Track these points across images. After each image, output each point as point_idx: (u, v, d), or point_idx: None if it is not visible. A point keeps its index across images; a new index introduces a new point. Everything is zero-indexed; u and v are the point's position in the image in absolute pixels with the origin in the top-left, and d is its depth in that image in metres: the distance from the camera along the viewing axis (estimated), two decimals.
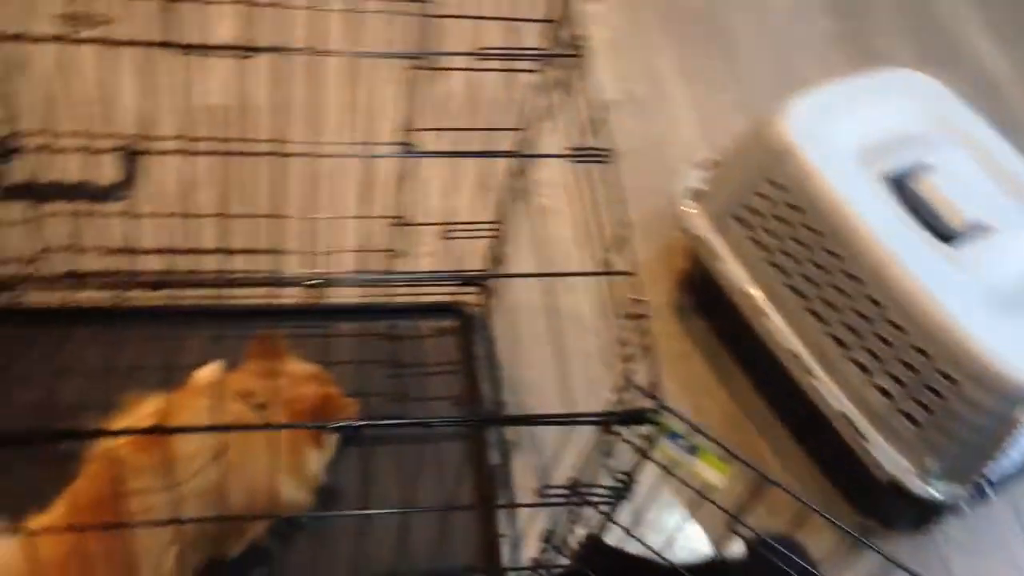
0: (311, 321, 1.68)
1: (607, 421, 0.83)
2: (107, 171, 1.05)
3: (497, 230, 1.61)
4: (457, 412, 1.61)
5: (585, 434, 1.04)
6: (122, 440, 1.34)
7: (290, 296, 1.69)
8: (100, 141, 1.03)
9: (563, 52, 1.09)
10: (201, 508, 1.29)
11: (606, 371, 1.77)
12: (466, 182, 1.47)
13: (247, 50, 1.11)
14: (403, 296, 1.71)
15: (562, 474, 1.12)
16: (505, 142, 1.46)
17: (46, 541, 1.22)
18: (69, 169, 1.08)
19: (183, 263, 1.55)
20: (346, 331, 1.69)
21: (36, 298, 1.57)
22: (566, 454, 1.24)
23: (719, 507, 0.94)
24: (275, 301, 1.68)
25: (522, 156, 1.20)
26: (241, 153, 1.15)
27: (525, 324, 1.72)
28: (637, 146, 1.98)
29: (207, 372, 1.55)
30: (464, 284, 1.71)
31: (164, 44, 1.01)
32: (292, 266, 1.64)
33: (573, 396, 1.53)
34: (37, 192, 0.93)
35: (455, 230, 1.62)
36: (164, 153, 1.03)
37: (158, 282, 1.58)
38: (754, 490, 0.88)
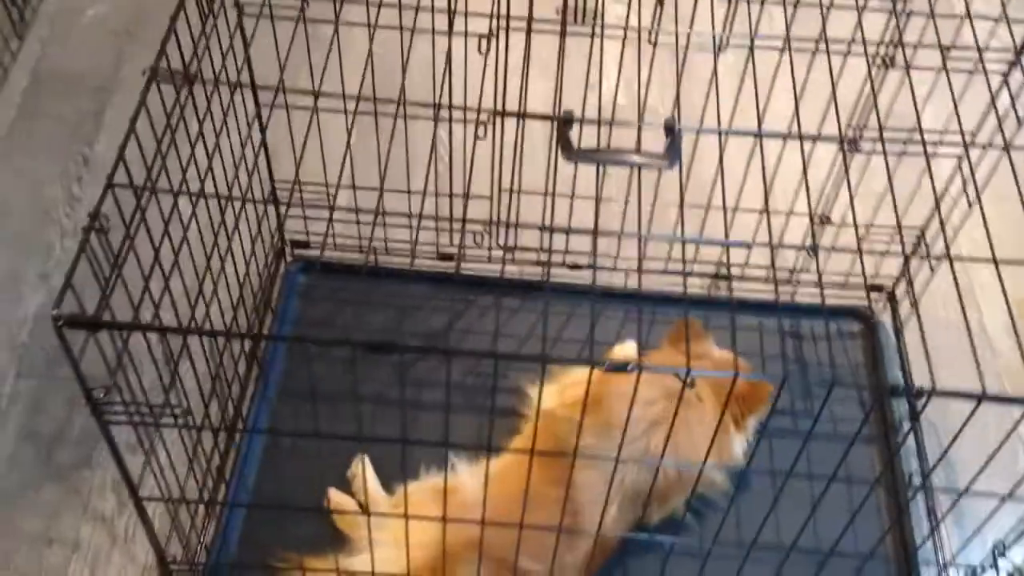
0: (715, 311, 1.72)
1: None
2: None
3: (920, 240, 1.59)
4: (864, 415, 1.60)
5: None
6: (559, 402, 1.45)
7: (695, 286, 1.75)
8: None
9: None
10: (635, 472, 1.36)
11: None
12: (900, 189, 1.46)
13: None
14: (808, 296, 1.72)
15: None
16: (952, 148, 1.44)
17: (500, 481, 1.33)
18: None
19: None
20: (748, 325, 1.72)
21: (475, 267, 1.72)
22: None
23: None
24: (680, 289, 1.74)
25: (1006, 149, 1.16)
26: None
27: (937, 339, 1.67)
28: None
29: (624, 349, 1.65)
30: (873, 290, 1.70)
31: None
32: (704, 255, 1.70)
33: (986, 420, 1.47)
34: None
35: (877, 235, 1.61)
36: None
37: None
38: None
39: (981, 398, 0.88)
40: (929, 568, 1.41)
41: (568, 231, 1.65)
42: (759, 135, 1.13)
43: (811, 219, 1.22)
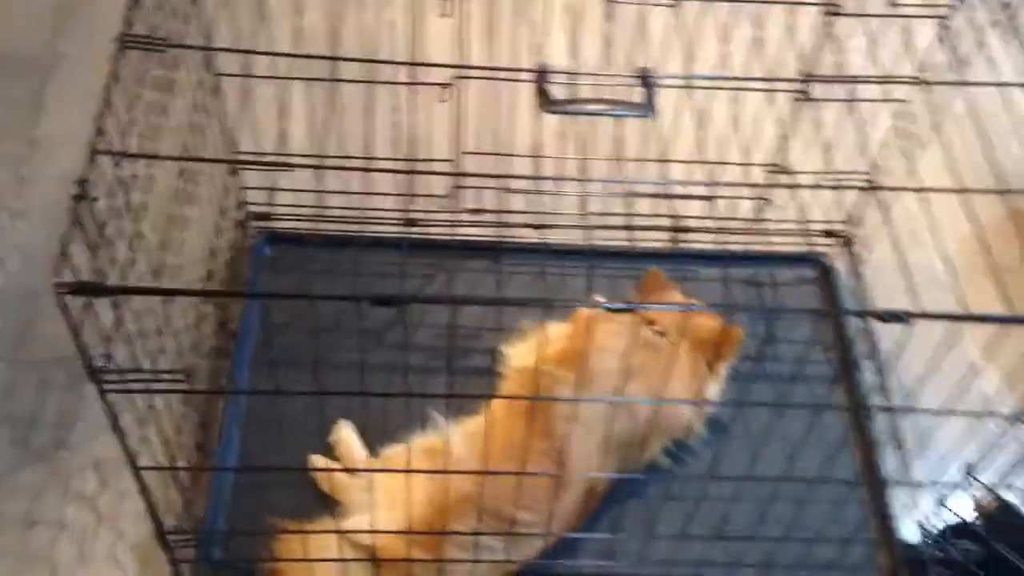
0: (673, 264, 1.75)
1: None
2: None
3: (869, 182, 1.64)
4: (826, 355, 1.67)
5: None
6: (538, 358, 1.48)
7: (654, 239, 1.78)
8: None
9: None
10: (619, 420, 1.39)
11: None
12: (845, 134, 1.50)
13: None
14: (762, 245, 1.76)
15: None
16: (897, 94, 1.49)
17: (487, 435, 1.35)
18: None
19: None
20: (707, 276, 1.77)
21: (442, 231, 1.72)
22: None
23: None
24: (639, 244, 1.77)
25: (960, 84, 1.21)
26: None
27: (889, 278, 1.73)
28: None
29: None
30: (828, 236, 1.76)
31: None
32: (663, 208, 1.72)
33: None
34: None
35: (827, 181, 1.66)
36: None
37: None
38: None
39: (963, 317, 0.93)
40: (899, 492, 1.47)
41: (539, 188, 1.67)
42: (741, 84, 1.16)
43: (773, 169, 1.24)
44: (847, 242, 1.77)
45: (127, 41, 1.06)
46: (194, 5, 1.34)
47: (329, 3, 1.34)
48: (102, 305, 0.93)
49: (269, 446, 1.46)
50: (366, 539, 1.29)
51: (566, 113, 1.02)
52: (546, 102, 1.02)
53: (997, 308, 1.02)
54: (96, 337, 0.95)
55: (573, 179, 1.10)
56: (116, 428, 1.00)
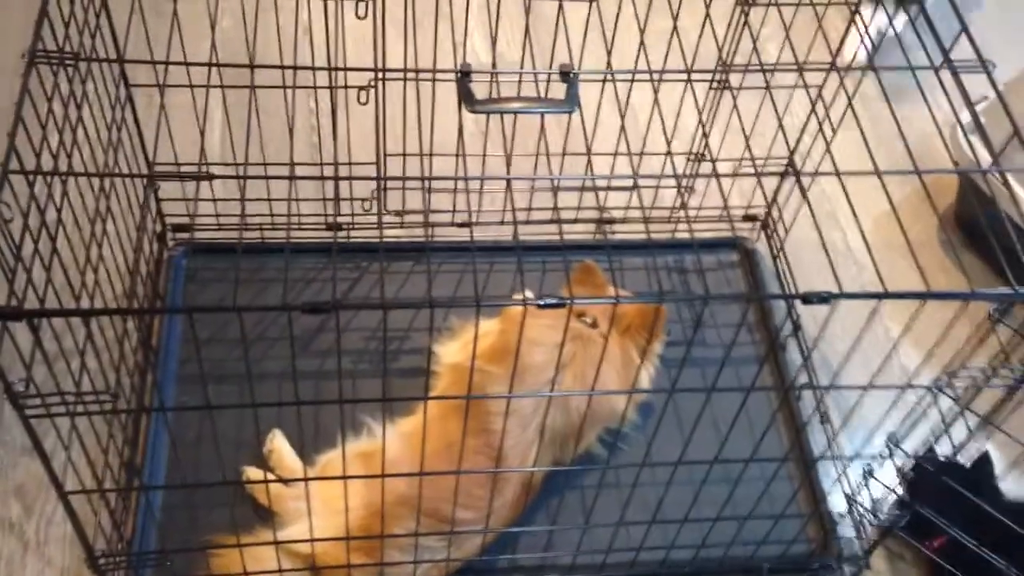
0: (599, 256, 1.76)
1: None
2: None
3: (787, 167, 1.67)
4: (751, 337, 1.70)
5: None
6: (467, 355, 1.47)
7: (581, 232, 1.80)
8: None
9: None
10: (552, 414, 1.40)
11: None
12: (765, 118, 1.53)
13: None
14: (684, 232, 1.79)
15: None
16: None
17: (420, 438, 1.34)
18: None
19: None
20: (633, 265, 1.79)
21: (365, 234, 1.71)
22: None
23: None
24: (567, 237, 1.78)
25: (872, 69, 1.24)
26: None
27: (808, 259, 1.76)
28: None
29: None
30: (748, 220, 1.80)
31: None
32: (586, 201, 1.74)
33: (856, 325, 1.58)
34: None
35: (747, 167, 1.69)
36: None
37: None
38: None
39: (881, 296, 0.96)
40: (827, 466, 1.51)
41: (456, 188, 1.67)
42: (660, 76, 1.17)
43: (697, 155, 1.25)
44: (768, 225, 1.80)
45: (37, 56, 1.03)
46: (104, 18, 1.32)
47: (243, 8, 1.31)
48: (20, 327, 0.91)
49: (198, 462, 1.44)
50: (304, 548, 1.28)
51: (490, 112, 1.03)
52: (470, 102, 1.02)
53: (913, 283, 1.05)
54: (15, 360, 0.92)
55: (498, 177, 1.10)
56: (40, 452, 0.98)
